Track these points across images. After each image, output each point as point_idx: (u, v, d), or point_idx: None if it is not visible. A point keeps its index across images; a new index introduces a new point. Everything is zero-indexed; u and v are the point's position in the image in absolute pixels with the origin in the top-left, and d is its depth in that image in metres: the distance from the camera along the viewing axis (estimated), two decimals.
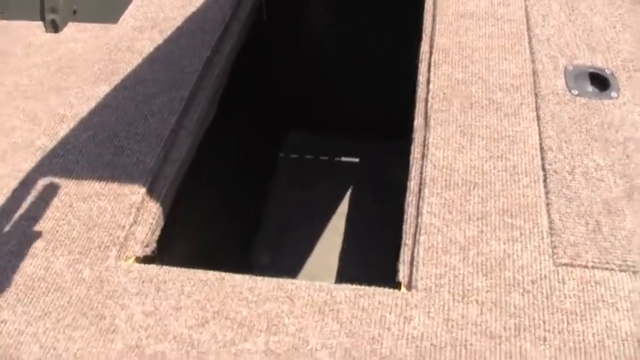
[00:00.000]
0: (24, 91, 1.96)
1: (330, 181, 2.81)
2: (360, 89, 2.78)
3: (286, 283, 1.41)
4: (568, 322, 1.31)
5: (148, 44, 2.04)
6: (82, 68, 2.02)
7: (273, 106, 2.73)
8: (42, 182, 1.68)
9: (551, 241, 1.47)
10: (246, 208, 2.59)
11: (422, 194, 1.58)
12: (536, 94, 1.80)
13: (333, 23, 2.59)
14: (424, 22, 2.08)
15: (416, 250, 1.46)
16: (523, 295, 1.37)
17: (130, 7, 2.16)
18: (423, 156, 1.67)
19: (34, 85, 1.98)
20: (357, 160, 2.90)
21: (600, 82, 1.84)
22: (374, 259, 2.45)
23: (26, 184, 1.69)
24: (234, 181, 2.23)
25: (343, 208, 2.73)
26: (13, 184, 1.69)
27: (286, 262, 2.52)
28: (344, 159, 2.91)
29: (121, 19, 2.10)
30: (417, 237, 1.49)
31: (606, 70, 1.86)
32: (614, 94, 1.80)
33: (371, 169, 2.85)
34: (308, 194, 2.75)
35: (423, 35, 2.04)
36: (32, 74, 2.03)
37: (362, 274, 2.42)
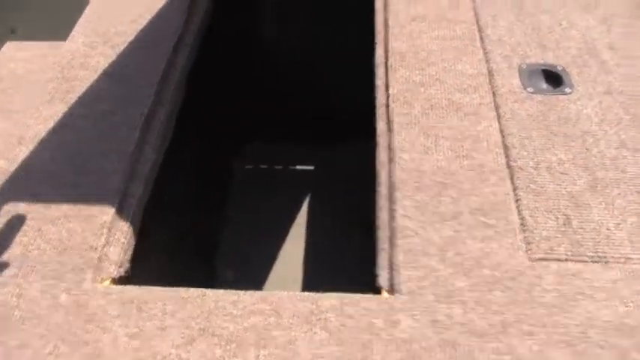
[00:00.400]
0: None
1: (287, 191, 2.80)
2: (311, 95, 2.79)
3: (270, 295, 1.40)
4: (550, 316, 1.34)
5: (101, 60, 2.00)
6: (36, 88, 1.98)
7: (225, 117, 2.72)
8: (6, 207, 1.63)
9: (524, 237, 1.50)
10: (206, 223, 2.57)
11: (393, 198, 1.59)
12: (493, 93, 1.84)
13: (283, 31, 2.59)
14: (376, 26, 2.10)
15: (394, 254, 1.48)
16: (504, 292, 1.40)
17: (79, 23, 2.13)
18: (390, 160, 1.69)
19: None
20: (312, 167, 2.90)
21: (553, 78, 1.89)
22: (338, 265, 2.47)
23: None
24: (191, 196, 2.21)
25: (302, 216, 2.73)
26: None
27: (251, 275, 2.51)
28: (299, 167, 2.90)
29: (71, 35, 2.06)
30: (394, 241, 1.50)
31: (558, 67, 1.92)
32: (567, 89, 1.86)
33: (326, 175, 2.85)
34: (266, 205, 2.75)
35: (376, 40, 2.06)
36: None
37: (327, 281, 2.44)
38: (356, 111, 2.80)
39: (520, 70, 1.90)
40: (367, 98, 2.70)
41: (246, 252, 2.61)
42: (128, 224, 1.60)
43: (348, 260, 2.54)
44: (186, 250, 2.18)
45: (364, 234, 2.61)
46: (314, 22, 2.53)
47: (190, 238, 2.26)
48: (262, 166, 2.91)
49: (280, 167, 2.91)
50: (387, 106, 1.82)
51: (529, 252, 1.47)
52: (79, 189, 1.66)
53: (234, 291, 1.42)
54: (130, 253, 1.58)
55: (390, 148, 1.72)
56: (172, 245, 2.02)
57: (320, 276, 2.51)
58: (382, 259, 1.50)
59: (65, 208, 1.61)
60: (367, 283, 2.40)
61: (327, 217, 2.71)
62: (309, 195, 2.80)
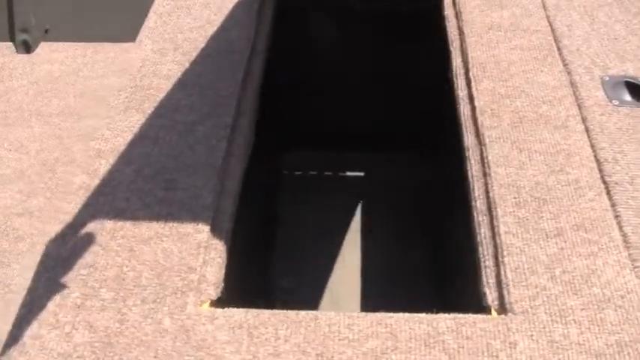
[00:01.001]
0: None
1: (338, 197, 2.78)
2: (361, 103, 2.76)
3: (384, 317, 1.37)
4: None
5: (174, 68, 1.96)
6: (108, 96, 1.93)
7: (279, 124, 2.69)
8: (92, 225, 1.58)
9: (629, 254, 1.48)
10: (262, 231, 2.53)
11: (494, 214, 1.56)
12: (579, 106, 1.81)
13: (338, 38, 2.56)
14: (449, 35, 2.08)
15: (502, 272, 1.45)
16: (616, 311, 1.37)
17: (144, 27, 2.09)
18: (485, 174, 1.66)
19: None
20: (362, 174, 2.87)
21: (636, 90, 1.87)
22: (396, 274, 2.45)
23: (74, 227, 1.59)
24: (251, 206, 2.17)
25: (356, 223, 2.70)
26: (58, 227, 1.60)
27: (309, 284, 2.48)
28: (349, 173, 2.88)
29: (138, 40, 2.01)
30: (500, 258, 1.48)
31: (639, 78, 1.89)
32: None
33: (377, 182, 2.83)
34: (317, 212, 2.72)
35: (451, 49, 2.03)
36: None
37: (387, 290, 2.43)
38: (412, 118, 2.79)
39: (603, 82, 1.87)
40: (418, 108, 2.69)
41: (302, 260, 2.58)
42: (222, 242, 1.56)
43: (405, 269, 2.53)
44: (246, 260, 2.14)
45: (421, 243, 2.62)
46: (370, 27, 2.49)
47: (251, 246, 2.23)
48: (311, 173, 2.88)
49: (330, 174, 2.88)
50: (475, 118, 1.79)
51: (636, 269, 1.45)
52: (169, 205, 1.61)
53: (347, 313, 1.38)
54: (223, 272, 1.54)
55: (483, 163, 1.69)
56: (238, 257, 1.98)
57: (379, 285, 2.49)
58: (488, 277, 1.47)
59: (157, 227, 1.56)
60: (436, 293, 2.38)
61: (381, 225, 2.69)
62: (361, 202, 2.78)
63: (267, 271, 2.52)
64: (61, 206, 1.64)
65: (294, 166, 2.89)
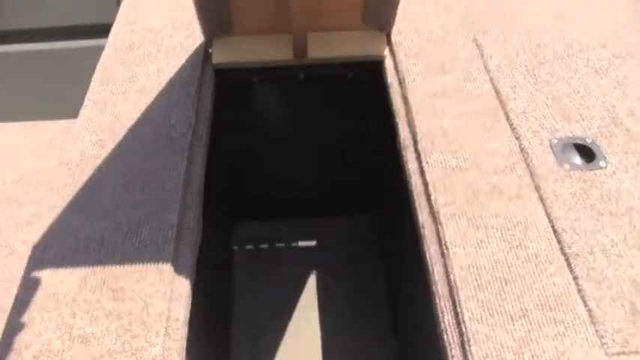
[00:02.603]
0: None
1: (291, 269, 2.70)
2: (307, 169, 2.71)
3: None
4: None
5: (114, 160, 1.87)
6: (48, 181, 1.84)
7: (225, 198, 2.61)
8: (37, 345, 1.47)
9: (596, 331, 1.44)
10: (217, 309, 2.44)
11: (456, 299, 1.51)
12: (531, 174, 1.79)
13: (283, 108, 2.51)
14: (394, 104, 2.04)
15: None
16: None
17: (81, 119, 2.01)
18: (443, 255, 1.61)
19: None
20: (314, 242, 2.81)
21: (586, 152, 1.85)
22: (355, 344, 2.38)
23: (17, 351, 1.48)
24: (205, 299, 2.08)
25: (311, 296, 2.63)
26: None
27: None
28: (301, 243, 2.81)
29: (76, 133, 1.93)
30: (467, 347, 1.42)
31: (587, 139, 1.88)
32: (602, 163, 1.82)
33: (330, 250, 2.77)
34: (272, 285, 2.64)
35: (397, 119, 1.99)
36: None
37: None
38: (359, 182, 2.75)
39: (552, 146, 1.85)
40: (365, 172, 2.66)
41: (259, 335, 2.49)
42: (177, 352, 1.47)
43: (364, 339, 2.47)
44: (202, 339, 2.05)
45: (379, 316, 2.56)
46: (315, 97, 2.45)
47: (206, 327, 2.13)
48: (263, 246, 2.80)
49: (282, 245, 2.80)
50: (428, 194, 1.74)
51: (605, 346, 1.41)
52: (118, 319, 1.51)
53: None
54: None
55: (440, 243, 1.64)
56: (197, 338, 1.88)
57: (338, 356, 2.42)
58: None
59: (107, 343, 1.46)
60: None
61: (338, 295, 2.62)
62: (315, 272, 2.71)
63: (226, 349, 2.43)
64: (1, 304, 1.53)
65: (245, 240, 2.81)
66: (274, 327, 2.53)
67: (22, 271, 1.62)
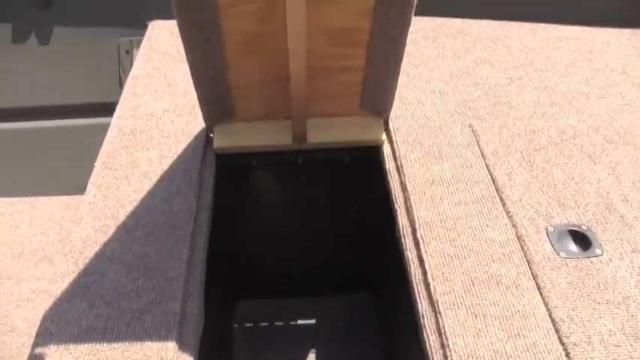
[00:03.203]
0: None
1: (291, 347, 2.71)
2: (306, 250, 2.74)
3: None
4: None
5: (117, 248, 1.90)
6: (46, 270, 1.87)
7: (225, 280, 2.63)
8: None
9: None
10: None
11: None
12: (528, 261, 1.82)
13: (282, 190, 2.55)
14: (393, 191, 2.08)
15: None
16: None
17: (84, 204, 2.04)
18: (443, 345, 1.63)
19: None
20: (313, 321, 2.82)
21: (581, 239, 1.89)
22: None
23: None
24: None
25: None
26: None
27: None
28: (300, 322, 2.82)
29: (79, 219, 1.97)
30: None
31: (583, 227, 1.92)
32: (597, 250, 1.86)
33: (329, 328, 2.78)
34: None
35: (396, 207, 2.03)
36: None
37: None
38: (357, 261, 2.77)
39: (548, 234, 1.89)
40: (364, 253, 2.69)
41: None
42: None
43: None
44: None
45: None
46: (315, 180, 2.50)
47: None
48: (263, 324, 2.81)
49: (281, 324, 2.81)
50: (427, 283, 1.77)
51: None
52: None
53: None
54: None
55: (439, 332, 1.66)
56: None
57: None
58: None
59: None
60: None
61: None
62: (315, 351, 2.71)
63: None
64: None
65: (245, 318, 2.82)
66: None
67: (22, 350, 1.64)
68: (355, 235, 2.67)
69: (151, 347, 1.64)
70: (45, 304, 1.75)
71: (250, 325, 2.80)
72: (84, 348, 1.65)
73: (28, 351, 1.66)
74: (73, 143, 3.42)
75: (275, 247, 2.69)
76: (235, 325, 2.79)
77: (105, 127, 2.37)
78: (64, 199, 3.20)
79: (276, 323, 2.80)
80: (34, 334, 1.70)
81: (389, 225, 2.07)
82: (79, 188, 2.13)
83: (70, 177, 2.92)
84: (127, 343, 1.65)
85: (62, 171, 3.39)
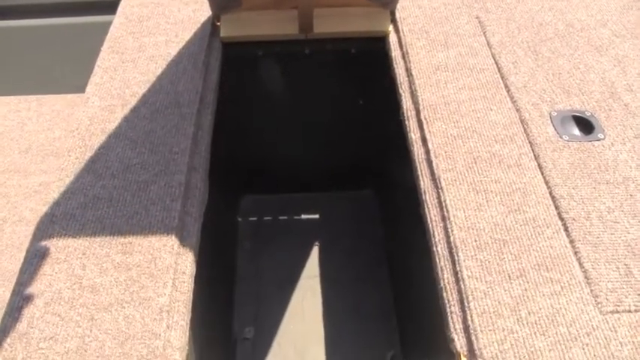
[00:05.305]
0: None
1: (294, 241, 2.75)
2: (311, 142, 2.76)
3: None
4: None
5: (124, 125, 1.92)
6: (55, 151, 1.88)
7: (229, 170, 2.66)
8: (49, 293, 1.53)
9: (591, 290, 1.49)
10: (221, 280, 2.49)
11: (455, 258, 1.56)
12: (530, 143, 1.84)
13: (288, 82, 2.55)
14: (398, 77, 2.09)
15: (469, 318, 1.45)
16: (584, 349, 1.38)
17: (90, 85, 2.05)
18: (444, 218, 1.66)
19: None
20: (317, 215, 2.86)
21: (584, 124, 1.90)
22: (356, 317, 2.44)
23: (29, 298, 1.54)
24: (209, 261, 2.13)
25: (314, 268, 2.68)
26: (10, 297, 1.54)
27: (270, 331, 2.45)
28: (304, 216, 2.86)
29: (85, 98, 1.98)
30: (466, 303, 1.47)
31: (586, 113, 1.93)
32: (600, 135, 1.87)
33: (333, 223, 2.82)
34: (275, 257, 2.69)
35: (401, 91, 2.04)
36: None
37: (348, 334, 2.41)
38: (357, 158, 2.80)
39: (552, 118, 1.90)
40: (368, 146, 2.70)
41: (262, 308, 2.55)
42: (185, 304, 1.52)
43: (367, 311, 2.52)
44: (207, 316, 2.10)
45: (382, 286, 2.61)
46: (320, 70, 2.50)
47: (209, 303, 2.18)
48: (266, 218, 2.85)
49: (285, 217, 2.85)
50: (429, 161, 1.79)
51: (599, 305, 1.46)
52: (127, 270, 1.57)
53: None
54: (187, 335, 1.50)
55: (440, 206, 1.69)
56: (200, 314, 1.94)
57: (339, 328, 2.47)
58: (455, 323, 1.47)
59: (116, 293, 1.52)
60: (402, 338, 2.37)
61: (340, 266, 2.67)
62: (318, 244, 2.76)
63: (229, 322, 2.48)
64: (10, 269, 1.57)
65: (249, 212, 2.86)
66: (277, 295, 2.58)
67: (29, 238, 1.67)
68: (360, 129, 2.69)
69: (156, 215, 1.67)
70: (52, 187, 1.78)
71: (254, 219, 2.84)
72: (90, 215, 1.68)
73: None
74: (81, 42, 3.40)
75: (279, 141, 2.71)
76: (239, 219, 2.83)
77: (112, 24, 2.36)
78: (70, 96, 3.21)
79: (280, 217, 2.84)
80: None
81: (394, 117, 2.08)
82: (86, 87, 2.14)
83: (77, 76, 2.91)
84: (132, 211, 1.69)
85: (69, 70, 3.38)
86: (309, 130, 2.69)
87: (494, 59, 2.11)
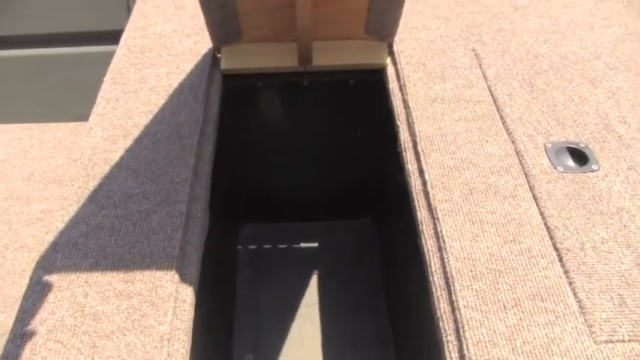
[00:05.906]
0: None
1: (293, 270, 2.78)
2: (309, 172, 2.79)
3: None
4: None
5: (125, 155, 1.96)
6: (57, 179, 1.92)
7: (230, 199, 2.69)
8: (51, 321, 1.56)
9: (585, 320, 1.52)
10: (221, 308, 2.51)
11: (452, 288, 1.59)
12: (526, 174, 1.87)
13: (287, 112, 2.59)
14: (395, 109, 2.13)
15: (464, 346, 1.47)
16: None
17: (93, 115, 2.09)
18: (440, 248, 1.69)
19: None
20: (316, 244, 2.89)
21: (579, 156, 1.94)
22: (356, 345, 2.45)
23: (32, 324, 1.56)
24: (210, 289, 2.16)
25: (312, 296, 2.70)
26: (12, 324, 1.57)
27: (269, 358, 2.47)
28: (303, 245, 2.89)
29: (88, 128, 2.02)
30: (462, 332, 1.50)
31: (581, 144, 1.96)
32: (594, 166, 1.90)
33: (331, 251, 2.85)
34: (275, 285, 2.72)
35: (398, 122, 2.08)
36: None
37: None
38: (359, 186, 2.83)
39: (546, 149, 1.94)
40: (366, 176, 2.74)
41: (261, 334, 2.57)
42: (185, 332, 1.55)
43: (365, 340, 2.54)
44: (208, 344, 2.12)
45: (379, 314, 2.63)
46: (319, 102, 2.54)
47: (210, 331, 2.21)
48: (266, 246, 2.88)
49: (284, 246, 2.88)
50: (426, 192, 1.83)
51: (593, 335, 1.48)
52: (129, 299, 1.60)
53: None
54: None
55: (437, 237, 1.72)
56: (200, 343, 1.96)
57: (337, 356, 2.49)
58: (451, 352, 1.49)
59: (118, 321, 1.55)
60: None
61: (339, 295, 2.70)
62: (317, 272, 2.78)
63: (228, 350, 2.50)
64: (12, 295, 1.60)
65: (249, 240, 2.89)
66: (276, 323, 2.60)
67: (31, 265, 1.70)
68: (358, 159, 2.72)
69: (157, 245, 1.70)
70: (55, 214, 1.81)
71: (254, 247, 2.87)
72: (92, 244, 1.72)
73: None
74: (83, 71, 3.45)
75: (279, 171, 2.74)
76: (239, 247, 2.86)
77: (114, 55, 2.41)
78: (72, 125, 3.25)
79: (280, 246, 2.87)
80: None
81: (391, 147, 2.12)
82: (88, 116, 2.18)
83: (79, 105, 2.96)
84: (133, 240, 1.72)
85: (71, 99, 3.43)
86: (308, 160, 2.73)
87: (490, 91, 2.15)
